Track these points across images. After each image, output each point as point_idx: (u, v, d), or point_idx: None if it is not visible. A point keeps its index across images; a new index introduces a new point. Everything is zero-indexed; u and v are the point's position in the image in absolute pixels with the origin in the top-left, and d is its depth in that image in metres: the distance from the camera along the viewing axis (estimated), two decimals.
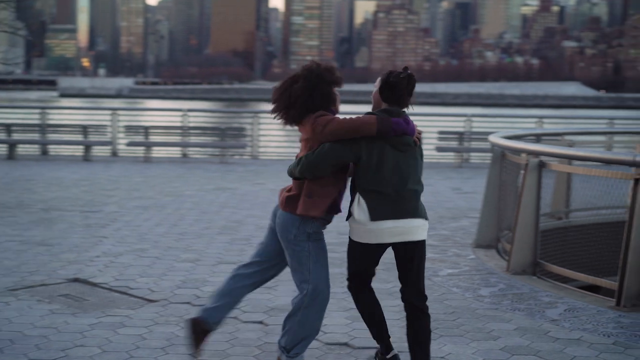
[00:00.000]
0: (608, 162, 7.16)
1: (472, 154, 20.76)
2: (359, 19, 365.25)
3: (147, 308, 6.59)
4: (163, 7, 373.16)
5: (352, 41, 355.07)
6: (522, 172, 8.55)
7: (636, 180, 6.85)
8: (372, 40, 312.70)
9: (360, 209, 4.79)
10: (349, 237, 4.94)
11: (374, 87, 5.02)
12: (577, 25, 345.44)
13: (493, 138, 9.31)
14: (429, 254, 8.97)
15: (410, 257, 4.91)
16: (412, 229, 4.84)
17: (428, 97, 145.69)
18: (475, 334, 6.05)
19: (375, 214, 4.77)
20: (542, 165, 8.09)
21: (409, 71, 4.90)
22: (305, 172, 4.78)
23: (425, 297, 5.04)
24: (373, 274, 5.17)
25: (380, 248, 4.92)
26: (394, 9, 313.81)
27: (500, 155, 9.40)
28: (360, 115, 4.79)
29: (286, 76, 5.01)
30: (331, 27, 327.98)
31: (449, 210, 12.21)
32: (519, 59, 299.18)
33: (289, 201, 4.88)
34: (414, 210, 4.84)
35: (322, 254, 4.97)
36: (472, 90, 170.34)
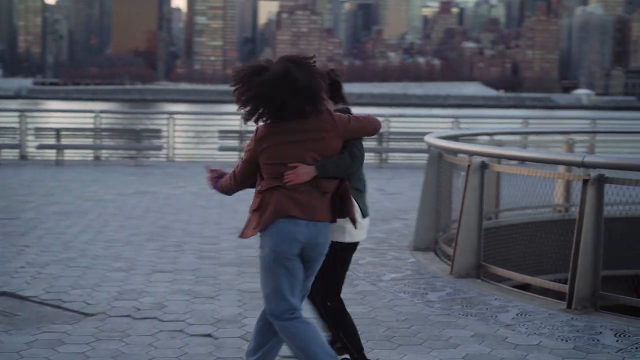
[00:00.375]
0: (556, 163, 7.07)
1: (391, 154, 20.70)
2: (262, 19, 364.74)
3: (85, 323, 6.19)
4: (62, 6, 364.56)
5: (255, 41, 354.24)
6: (463, 173, 8.45)
7: (585, 181, 6.78)
8: (275, 41, 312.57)
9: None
10: (337, 241, 4.69)
11: None
12: (476, 27, 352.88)
13: (430, 139, 9.17)
14: (367, 257, 8.79)
15: None
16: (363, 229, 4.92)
17: None
18: (434, 342, 5.86)
19: (363, 212, 4.79)
20: (484, 167, 7.98)
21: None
22: (359, 168, 4.52)
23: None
24: None
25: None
26: (297, 10, 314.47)
27: (437, 156, 9.28)
28: (365, 115, 4.52)
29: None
30: (235, 28, 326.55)
31: (377, 212, 12.05)
32: (420, 60, 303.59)
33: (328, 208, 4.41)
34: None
35: None
36: (376, 91, 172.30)
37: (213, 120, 23.06)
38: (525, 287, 8.17)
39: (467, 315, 6.61)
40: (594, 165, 6.76)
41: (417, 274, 8.12)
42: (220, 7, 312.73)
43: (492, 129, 13.51)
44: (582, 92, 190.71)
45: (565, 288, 6.91)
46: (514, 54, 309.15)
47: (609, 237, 7.03)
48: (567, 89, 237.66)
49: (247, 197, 13.95)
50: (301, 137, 4.27)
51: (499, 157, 7.74)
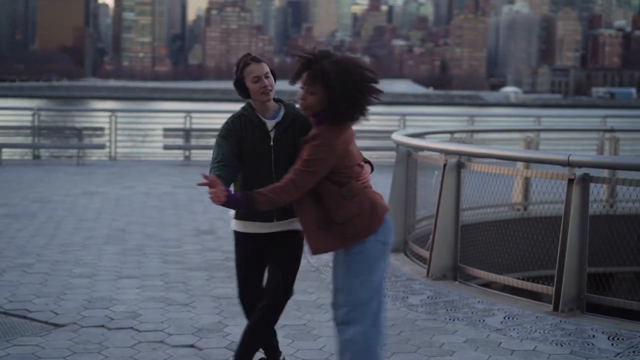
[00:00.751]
0: (541, 162, 6.92)
1: None
2: (191, 15, 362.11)
3: (57, 334, 5.81)
4: None
5: (185, 38, 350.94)
6: (437, 172, 8.27)
7: (570, 181, 6.64)
8: (205, 38, 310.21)
9: None
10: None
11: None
12: (406, 25, 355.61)
13: (398, 137, 8.97)
14: None
15: None
16: None
17: None
18: (428, 349, 5.64)
19: None
20: (460, 166, 7.80)
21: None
22: None
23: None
24: None
25: None
26: (226, 6, 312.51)
27: (406, 154, 9.08)
28: None
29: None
30: (163, 24, 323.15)
31: None
32: None
33: None
34: None
35: None
36: None
37: (157, 118, 22.48)
38: (487, 285, 8.04)
39: (453, 320, 6.41)
40: (580, 164, 6.62)
41: (392, 276, 7.90)
42: (149, 3, 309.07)
43: (451, 127, 13.36)
44: (510, 90, 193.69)
45: (551, 290, 6.77)
46: (442, 52, 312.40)
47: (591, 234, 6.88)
48: (495, 87, 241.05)
49: (200, 196, 13.58)
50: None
51: (479, 157, 7.56)
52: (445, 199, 7.80)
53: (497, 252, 9.54)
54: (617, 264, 11.11)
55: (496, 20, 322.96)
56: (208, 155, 19.62)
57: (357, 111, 4.15)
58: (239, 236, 4.69)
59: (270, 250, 4.62)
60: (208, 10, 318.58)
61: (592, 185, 6.69)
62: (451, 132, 11.33)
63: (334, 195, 4.16)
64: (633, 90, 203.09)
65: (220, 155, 4.38)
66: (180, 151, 19.40)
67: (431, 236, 7.94)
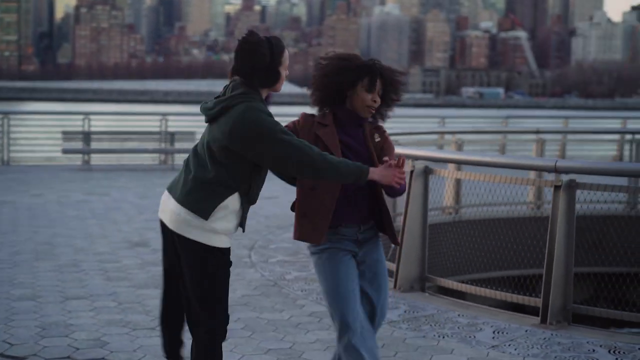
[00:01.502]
0: (527, 169, 6.64)
1: None
2: (59, 13, 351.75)
3: None
4: None
5: (53, 36, 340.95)
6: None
7: (556, 187, 6.38)
8: (75, 36, 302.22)
9: None
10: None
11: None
12: (279, 25, 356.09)
13: None
14: (293, 272, 8.07)
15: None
16: (166, 209, 4.01)
17: (138, 94, 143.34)
18: None
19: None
20: (428, 172, 7.46)
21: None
22: None
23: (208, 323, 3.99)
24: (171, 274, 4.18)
25: (161, 225, 4.11)
26: (96, 4, 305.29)
27: None
28: None
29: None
30: (30, 22, 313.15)
31: (267, 218, 11.34)
32: (225, 57, 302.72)
33: None
34: (177, 189, 3.98)
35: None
36: (181, 88, 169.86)
37: (54, 120, 21.34)
38: (445, 291, 7.76)
39: (443, 337, 6.05)
40: (567, 170, 6.38)
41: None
42: (15, 0, 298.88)
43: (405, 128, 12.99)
44: None
45: (538, 302, 6.50)
46: (316, 52, 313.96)
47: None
48: None
49: (116, 204, 12.93)
50: None
51: (459, 163, 7.21)
52: (412, 206, 7.43)
53: (457, 256, 9.29)
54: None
55: (368, 21, 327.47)
56: (109, 159, 18.80)
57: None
58: (227, 253, 4.03)
59: None
60: (77, 8, 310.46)
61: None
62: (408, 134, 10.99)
63: None
64: (501, 90, 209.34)
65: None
66: (79, 155, 18.44)
67: (398, 247, 7.55)
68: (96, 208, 12.01)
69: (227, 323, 4.03)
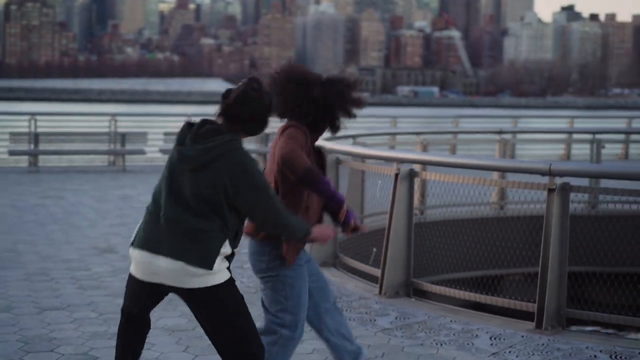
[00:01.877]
0: (522, 172, 6.54)
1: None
2: None
3: None
4: None
5: None
6: (380, 182, 7.77)
7: (550, 190, 6.29)
8: (4, 34, 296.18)
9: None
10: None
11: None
12: (214, 23, 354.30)
13: (329, 144, 8.38)
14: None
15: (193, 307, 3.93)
16: (158, 272, 3.83)
17: (71, 93, 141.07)
18: None
19: (135, 238, 3.91)
20: (413, 175, 7.33)
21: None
22: None
23: None
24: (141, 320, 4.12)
25: (140, 284, 3.95)
26: (27, 2, 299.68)
27: (335, 162, 8.53)
28: None
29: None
30: None
31: None
32: (160, 55, 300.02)
33: None
34: (162, 245, 3.79)
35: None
36: (116, 86, 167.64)
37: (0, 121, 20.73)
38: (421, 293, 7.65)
39: (441, 345, 5.92)
40: (561, 173, 6.29)
41: (342, 295, 7.31)
42: None
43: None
44: None
45: (533, 307, 6.40)
46: (251, 51, 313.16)
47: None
48: None
49: (74, 208, 12.57)
50: None
51: (452, 166, 7.08)
52: (397, 210, 7.29)
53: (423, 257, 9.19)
54: (507, 266, 11.09)
55: (303, 21, 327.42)
56: (57, 161, 18.32)
57: None
58: (233, 281, 3.96)
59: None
60: (7, 5, 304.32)
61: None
62: (353, 137, 10.85)
63: None
64: (436, 89, 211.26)
65: None
66: (26, 157, 17.93)
67: (383, 251, 7.40)
68: (54, 212, 11.62)
69: (263, 347, 3.96)
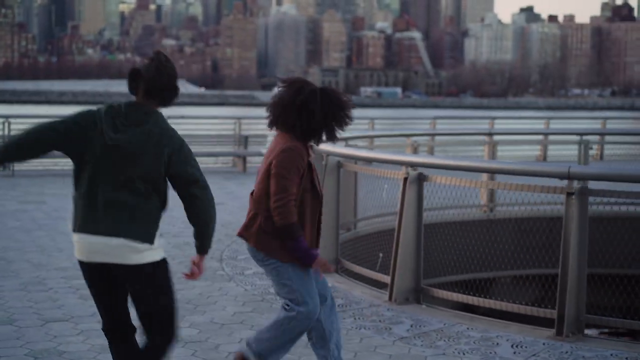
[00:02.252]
0: (540, 175, 6.41)
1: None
2: None
3: None
4: None
5: None
6: (387, 186, 7.63)
7: (568, 194, 6.18)
8: None
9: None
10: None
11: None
12: (175, 24, 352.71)
13: (329, 148, 8.21)
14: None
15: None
16: (98, 250, 3.90)
17: (32, 94, 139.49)
18: None
19: (74, 224, 3.95)
20: (422, 179, 7.18)
21: None
22: None
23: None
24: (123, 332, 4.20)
25: (89, 268, 4.01)
26: None
27: (336, 165, 8.36)
28: None
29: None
30: None
31: (224, 226, 10.86)
32: (121, 57, 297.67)
33: None
34: (102, 224, 3.86)
35: None
36: (77, 88, 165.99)
37: None
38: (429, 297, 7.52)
39: (464, 354, 5.77)
40: (580, 177, 6.19)
41: (351, 302, 7.14)
42: None
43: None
44: None
45: (553, 314, 6.28)
46: (213, 52, 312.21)
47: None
48: (266, 87, 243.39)
49: (58, 213, 12.26)
50: None
51: (464, 170, 6.93)
52: (407, 214, 7.14)
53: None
54: (496, 269, 11.00)
55: (265, 21, 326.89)
56: (33, 164, 17.93)
57: None
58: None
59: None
60: None
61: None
62: (346, 139, 10.68)
63: None
64: (398, 90, 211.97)
65: None
66: None
67: (392, 257, 7.24)
68: (38, 218, 11.32)
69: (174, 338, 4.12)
